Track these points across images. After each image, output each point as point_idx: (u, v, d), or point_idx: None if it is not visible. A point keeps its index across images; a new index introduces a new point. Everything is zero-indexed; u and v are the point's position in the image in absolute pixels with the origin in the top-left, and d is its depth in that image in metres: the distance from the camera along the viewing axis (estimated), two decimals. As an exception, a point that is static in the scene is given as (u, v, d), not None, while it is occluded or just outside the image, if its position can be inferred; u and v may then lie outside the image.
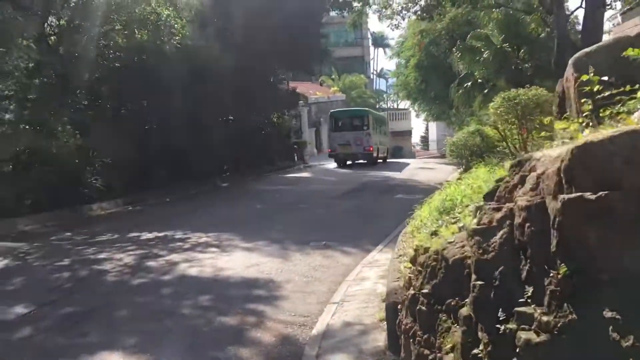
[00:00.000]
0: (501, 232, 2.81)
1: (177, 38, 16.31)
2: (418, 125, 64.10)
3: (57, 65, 14.35)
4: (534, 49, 24.09)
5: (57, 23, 14.90)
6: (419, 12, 17.04)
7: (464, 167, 16.45)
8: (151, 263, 8.13)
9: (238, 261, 8.15)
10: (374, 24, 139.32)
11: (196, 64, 17.93)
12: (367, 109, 32.73)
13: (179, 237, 10.22)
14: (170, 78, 16.95)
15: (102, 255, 8.75)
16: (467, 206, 5.09)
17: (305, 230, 10.81)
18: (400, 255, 6.28)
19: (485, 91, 25.67)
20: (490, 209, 2.95)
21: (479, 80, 25.51)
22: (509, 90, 25.46)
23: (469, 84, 25.61)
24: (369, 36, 69.74)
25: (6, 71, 13.85)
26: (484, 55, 24.08)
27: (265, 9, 22.95)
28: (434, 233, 4.93)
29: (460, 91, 25.89)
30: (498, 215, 2.88)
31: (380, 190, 17.83)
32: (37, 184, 12.64)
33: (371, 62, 72.80)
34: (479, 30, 24.95)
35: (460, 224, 3.97)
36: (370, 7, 27.86)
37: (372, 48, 73.08)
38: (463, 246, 3.33)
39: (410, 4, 17.25)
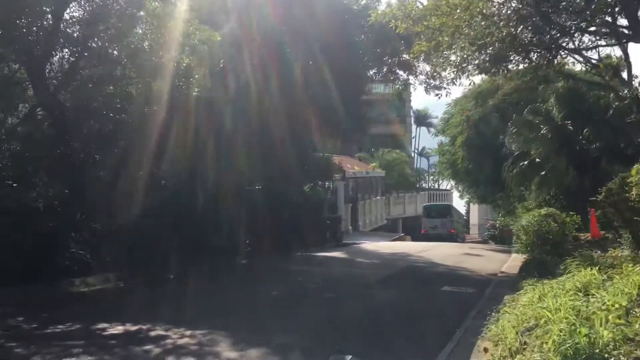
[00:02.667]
0: None
1: (196, 90, 14.24)
2: (459, 207, 60.61)
3: (54, 113, 12.38)
4: (600, 128, 21.29)
5: (60, 66, 13.02)
6: (484, 63, 14.57)
7: (528, 256, 13.43)
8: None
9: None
10: (417, 100, 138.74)
11: (218, 122, 15.83)
12: (450, 204, 47.23)
13: (155, 334, 7.60)
14: (186, 136, 14.83)
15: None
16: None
17: (324, 334, 8.09)
18: None
19: (543, 172, 22.87)
20: None
21: (537, 160, 22.71)
22: (570, 174, 22.72)
23: (525, 163, 22.80)
24: (412, 114, 67.94)
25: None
26: (543, 132, 21.46)
27: (305, 70, 21.16)
28: None
29: (515, 170, 23.04)
30: None
31: (423, 280, 14.99)
32: (3, 250, 10.27)
33: (413, 141, 70.78)
34: (538, 104, 22.47)
35: None
36: (417, 77, 25.99)
37: (414, 126, 71.26)
38: None
39: (475, 54, 14.79)
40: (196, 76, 14.02)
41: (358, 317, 9.59)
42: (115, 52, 12.84)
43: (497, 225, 45.32)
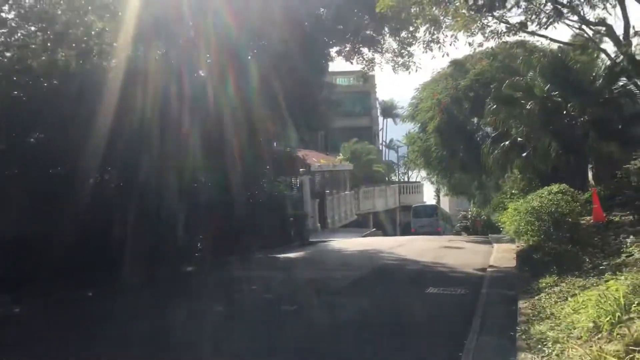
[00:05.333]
0: None
1: (113, 61, 11.44)
2: (429, 200, 58.62)
3: None
4: (586, 99, 19.06)
5: None
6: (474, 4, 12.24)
7: (530, 245, 11.04)
8: None
9: None
10: (383, 92, 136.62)
11: (150, 101, 13.09)
12: (436, 204, 49.50)
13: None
14: (108, 117, 12.02)
15: None
16: None
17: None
18: None
19: (524, 154, 20.69)
20: None
21: (519, 139, 20.52)
22: (554, 152, 20.33)
23: (507, 143, 20.56)
24: (377, 105, 65.62)
25: None
26: (528, 107, 19.25)
27: (258, 53, 18.53)
28: None
29: (496, 152, 20.77)
30: None
31: (402, 281, 12.63)
32: None
33: (380, 133, 68.41)
34: (518, 77, 20.26)
35: None
36: (383, 55, 23.61)
37: (380, 118, 68.90)
38: None
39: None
40: (114, 44, 11.25)
41: (322, 340, 7.06)
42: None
43: (469, 216, 43.64)
